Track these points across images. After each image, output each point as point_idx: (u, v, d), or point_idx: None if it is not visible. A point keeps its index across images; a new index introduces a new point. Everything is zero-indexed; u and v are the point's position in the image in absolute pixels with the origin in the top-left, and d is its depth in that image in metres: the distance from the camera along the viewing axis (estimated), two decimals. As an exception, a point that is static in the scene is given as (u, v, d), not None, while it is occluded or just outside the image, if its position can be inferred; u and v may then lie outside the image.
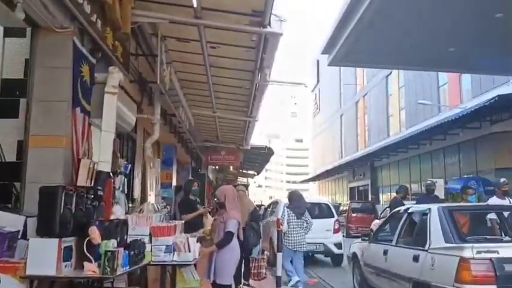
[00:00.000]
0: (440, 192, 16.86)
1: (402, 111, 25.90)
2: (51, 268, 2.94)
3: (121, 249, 3.19)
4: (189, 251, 4.06)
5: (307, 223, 7.32)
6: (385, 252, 5.31)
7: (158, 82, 5.80)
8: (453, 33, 11.02)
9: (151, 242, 4.00)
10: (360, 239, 6.78)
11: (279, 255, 6.35)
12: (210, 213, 6.94)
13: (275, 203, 11.72)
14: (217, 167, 22.35)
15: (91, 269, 3.06)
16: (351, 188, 35.93)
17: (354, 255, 6.64)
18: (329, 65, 14.73)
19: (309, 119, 61.74)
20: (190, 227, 5.51)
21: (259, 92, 8.61)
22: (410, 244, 4.88)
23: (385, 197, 28.55)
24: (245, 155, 18.40)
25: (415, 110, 23.15)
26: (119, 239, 3.61)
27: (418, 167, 22.99)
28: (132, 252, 3.56)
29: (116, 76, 4.31)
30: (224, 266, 4.60)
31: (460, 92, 19.53)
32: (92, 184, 3.86)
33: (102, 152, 4.18)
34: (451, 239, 4.16)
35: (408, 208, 5.55)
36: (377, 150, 24.70)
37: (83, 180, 3.73)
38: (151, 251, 3.97)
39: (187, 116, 9.83)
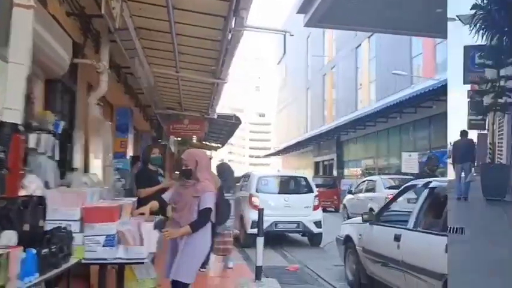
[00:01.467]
0: (414, 167, 16.52)
1: (372, 84, 25.15)
2: None
3: (18, 250, 1.85)
4: (142, 244, 2.76)
5: None
6: (397, 238, 4.19)
7: (103, 12, 4.28)
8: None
9: (83, 231, 2.67)
10: (356, 218, 5.64)
11: (260, 240, 5.15)
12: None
13: (247, 176, 10.52)
14: (179, 138, 20.91)
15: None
16: (315, 163, 35.40)
17: (348, 238, 5.51)
18: (305, 25, 13.38)
19: (273, 93, 60.50)
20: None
21: (232, 45, 7.27)
22: (437, 229, 3.78)
23: (349, 172, 28.16)
24: (210, 125, 17.04)
25: (386, 82, 22.45)
26: (28, 228, 2.28)
27: (386, 141, 22.63)
28: (46, 250, 2.23)
29: (30, -20, 2.84)
30: (195, 256, 3.36)
31: (434, 63, 18.85)
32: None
33: (9, 95, 2.74)
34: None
35: (429, 182, 4.44)
36: (344, 124, 24.15)
37: (-34, 133, 2.32)
38: (83, 244, 2.64)
39: (145, 73, 8.34)
